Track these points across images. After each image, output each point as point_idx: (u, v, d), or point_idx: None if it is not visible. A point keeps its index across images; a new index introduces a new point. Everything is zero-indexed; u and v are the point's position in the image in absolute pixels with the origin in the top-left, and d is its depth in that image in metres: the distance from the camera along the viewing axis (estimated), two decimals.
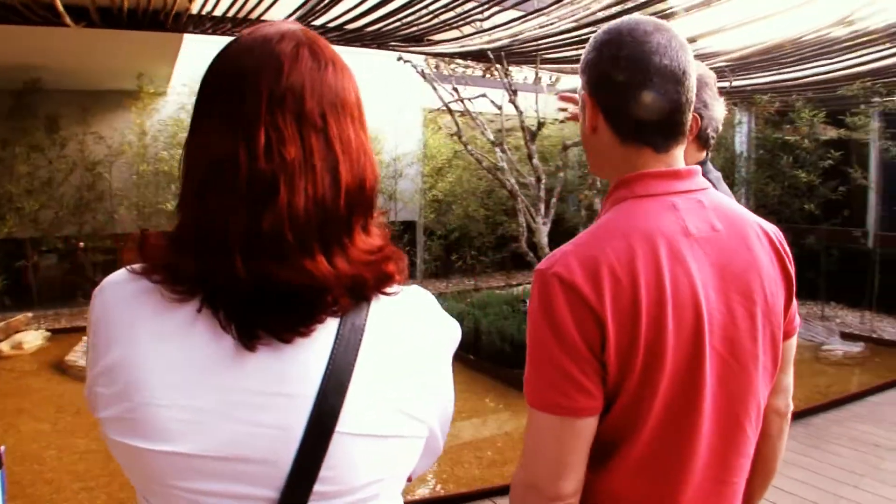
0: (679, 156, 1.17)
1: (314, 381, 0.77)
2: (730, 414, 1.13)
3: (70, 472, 4.69)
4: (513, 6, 6.63)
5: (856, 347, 7.80)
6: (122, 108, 9.82)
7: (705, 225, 1.12)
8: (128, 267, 0.82)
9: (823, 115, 8.87)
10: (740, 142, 11.42)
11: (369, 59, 10.64)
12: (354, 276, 0.79)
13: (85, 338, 4.83)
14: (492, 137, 8.24)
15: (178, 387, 0.75)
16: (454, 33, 7.15)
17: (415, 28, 6.56)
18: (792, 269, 1.21)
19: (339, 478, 0.78)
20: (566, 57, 7.84)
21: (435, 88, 9.08)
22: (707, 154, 2.01)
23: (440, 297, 9.23)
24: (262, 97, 0.77)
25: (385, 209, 0.82)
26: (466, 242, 12.28)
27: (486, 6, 6.10)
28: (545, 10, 6.19)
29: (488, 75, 10.58)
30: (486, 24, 6.74)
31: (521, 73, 14.30)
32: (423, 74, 9.08)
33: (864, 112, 8.96)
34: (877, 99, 8.34)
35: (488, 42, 7.05)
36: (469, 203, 12.11)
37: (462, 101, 9.75)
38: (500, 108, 9.45)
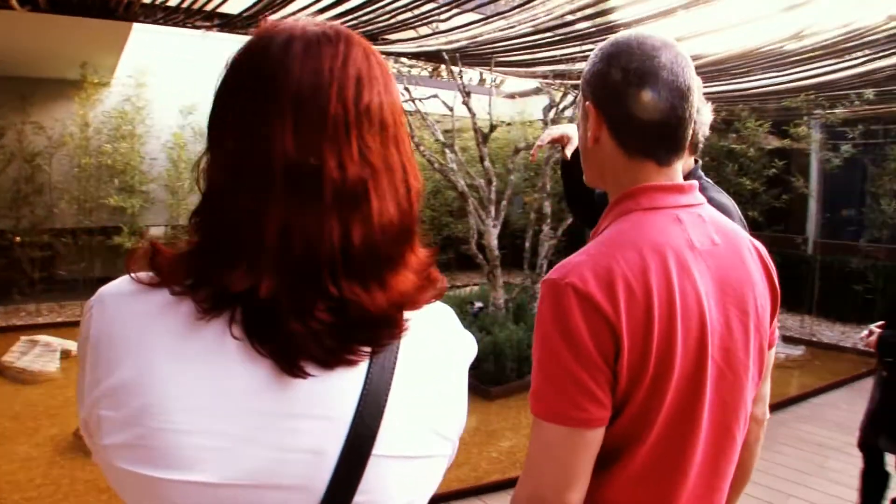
0: (679, 169, 1.19)
1: (351, 403, 0.73)
2: (722, 422, 1.15)
3: (9, 481, 4.47)
4: (473, 9, 6.64)
5: (797, 350, 8.07)
6: (63, 98, 9.46)
7: (706, 239, 1.15)
8: (132, 275, 0.73)
9: (768, 125, 9.14)
10: None
11: None
12: (413, 295, 0.76)
13: (24, 338, 4.63)
14: (441, 138, 8.24)
15: (201, 410, 0.68)
16: (410, 33, 7.12)
17: (372, 27, 6.50)
18: (777, 285, 1.25)
19: (373, 502, 0.74)
20: (520, 60, 7.91)
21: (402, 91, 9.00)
22: (698, 161, 2.03)
23: None
24: (345, 101, 0.71)
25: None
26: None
27: (446, 8, 6.08)
28: (506, 14, 6.21)
29: (439, 76, 10.62)
30: (444, 26, 6.72)
31: (467, 75, 14.40)
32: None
33: (807, 123, 9.27)
34: (819, 111, 8.64)
35: (446, 43, 7.03)
36: None
37: (413, 101, 9.74)
38: (451, 109, 9.47)
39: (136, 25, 6.99)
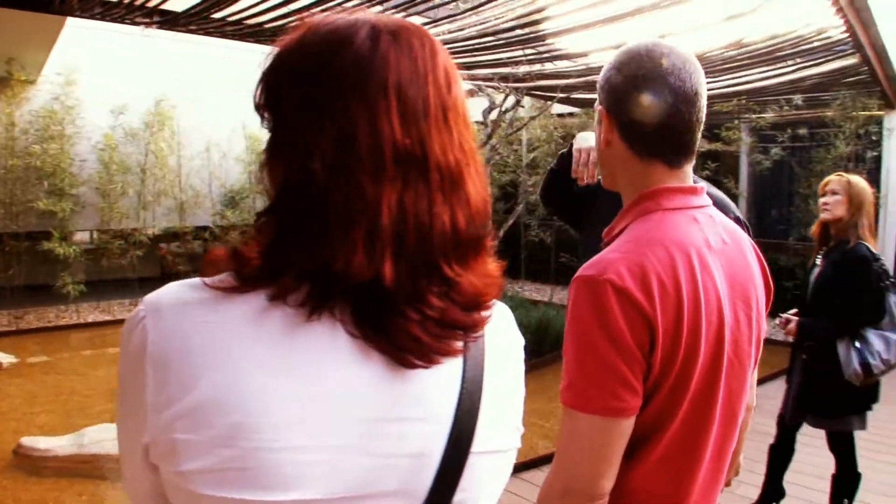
0: (689, 172, 1.26)
1: (451, 401, 0.72)
2: (730, 408, 1.22)
3: None
4: (420, 13, 6.64)
5: None
6: None
7: (718, 238, 1.22)
8: (206, 281, 0.69)
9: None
10: None
11: (251, 59, 10.38)
12: (499, 281, 0.76)
13: None
14: None
15: (303, 423, 0.64)
16: None
17: None
18: (771, 280, 1.34)
19: (469, 499, 0.74)
20: (464, 63, 7.95)
21: None
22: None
23: None
24: (440, 89, 0.72)
25: None
26: None
27: (398, 9, 6.06)
28: (456, 17, 6.24)
29: None
30: None
31: None
32: None
33: (737, 127, 9.63)
34: (749, 115, 8.99)
35: None
36: None
37: None
38: None
39: (67, 20, 6.71)
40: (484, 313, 0.74)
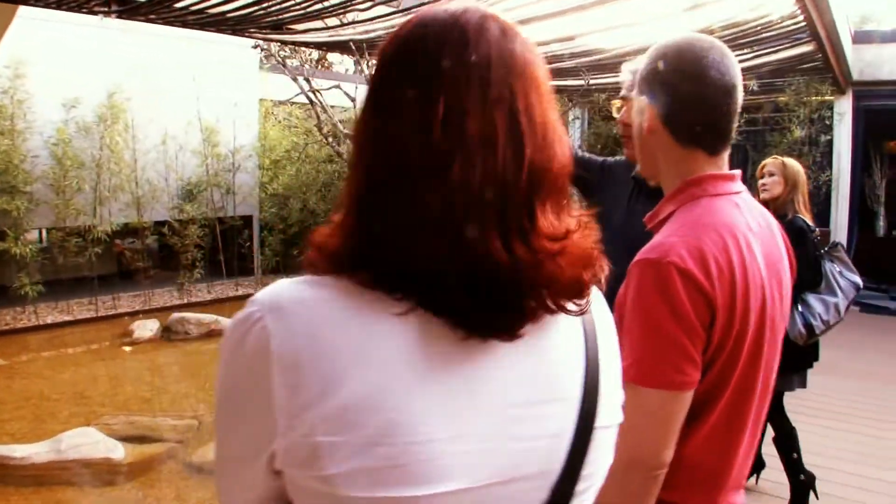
0: (726, 159, 1.34)
1: (578, 380, 0.74)
2: (766, 381, 1.31)
3: None
4: (386, 2, 6.59)
5: None
6: None
7: (755, 222, 1.30)
8: (310, 278, 0.69)
9: None
10: (575, 136, 12.12)
11: (205, 50, 10.18)
12: (544, 265, 0.70)
13: None
14: (345, 130, 8.20)
15: (456, 414, 0.65)
16: (318, 23, 6.98)
17: (287, 15, 6.33)
18: (794, 260, 1.43)
19: (593, 474, 0.76)
20: None
21: (296, 80, 8.87)
22: None
23: None
24: (447, 68, 0.68)
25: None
26: (307, 236, 11.91)
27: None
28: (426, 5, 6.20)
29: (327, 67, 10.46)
30: (363, 16, 6.65)
31: (343, 66, 14.27)
32: (283, 64, 8.82)
33: None
34: None
35: (362, 33, 6.95)
36: (308, 197, 11.82)
37: (315, 92, 9.58)
38: (353, 99, 9.38)
39: (19, 10, 6.47)
40: (587, 275, 0.72)
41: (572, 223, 0.72)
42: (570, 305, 0.71)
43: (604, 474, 0.78)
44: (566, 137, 0.75)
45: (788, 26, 6.26)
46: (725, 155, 1.32)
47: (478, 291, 0.65)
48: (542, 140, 0.70)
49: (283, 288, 0.68)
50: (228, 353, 0.68)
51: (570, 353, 0.75)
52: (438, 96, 0.67)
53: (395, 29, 0.74)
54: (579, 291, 0.72)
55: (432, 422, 0.64)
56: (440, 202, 0.65)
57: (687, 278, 1.15)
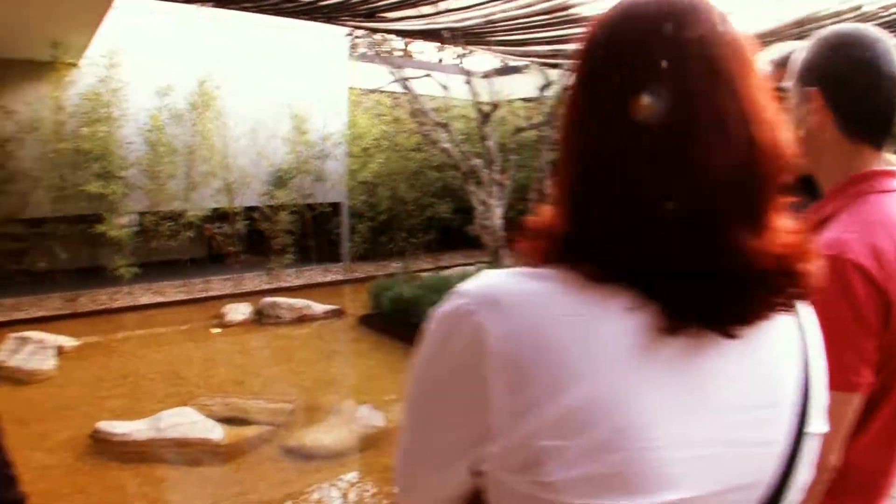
0: (885, 155, 1.28)
1: (793, 384, 0.70)
2: None
3: (32, 492, 4.15)
4: None
5: None
6: (31, 80, 8.92)
7: None
8: (527, 270, 0.65)
9: None
10: None
11: (294, 38, 10.29)
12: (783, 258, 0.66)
13: (12, 335, 4.28)
14: (437, 119, 8.12)
15: (686, 418, 0.61)
16: (410, 11, 6.88)
17: (382, 2, 6.24)
18: None
19: (800, 486, 0.70)
20: (518, 40, 7.73)
21: (392, 71, 8.88)
22: None
23: (373, 280, 8.99)
24: (667, 49, 0.64)
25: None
26: (396, 224, 12.04)
27: None
28: None
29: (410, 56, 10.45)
30: (456, 4, 6.51)
31: (425, 56, 14.29)
32: (379, 53, 8.82)
33: None
34: None
35: (456, 21, 6.81)
36: (398, 185, 11.90)
37: (406, 80, 9.55)
38: (445, 88, 9.29)
39: (115, 1, 6.60)
40: (811, 272, 0.67)
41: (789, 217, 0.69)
42: (795, 304, 0.68)
43: (805, 488, 0.72)
44: (788, 128, 0.69)
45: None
46: (885, 150, 1.27)
47: (721, 287, 0.62)
48: (769, 128, 0.65)
49: (498, 280, 0.64)
50: (432, 349, 0.66)
51: (787, 355, 0.71)
52: (664, 79, 0.62)
53: (599, 15, 0.70)
54: (804, 289, 0.68)
55: (663, 425, 0.60)
56: (681, 189, 0.61)
57: (864, 275, 1.12)
